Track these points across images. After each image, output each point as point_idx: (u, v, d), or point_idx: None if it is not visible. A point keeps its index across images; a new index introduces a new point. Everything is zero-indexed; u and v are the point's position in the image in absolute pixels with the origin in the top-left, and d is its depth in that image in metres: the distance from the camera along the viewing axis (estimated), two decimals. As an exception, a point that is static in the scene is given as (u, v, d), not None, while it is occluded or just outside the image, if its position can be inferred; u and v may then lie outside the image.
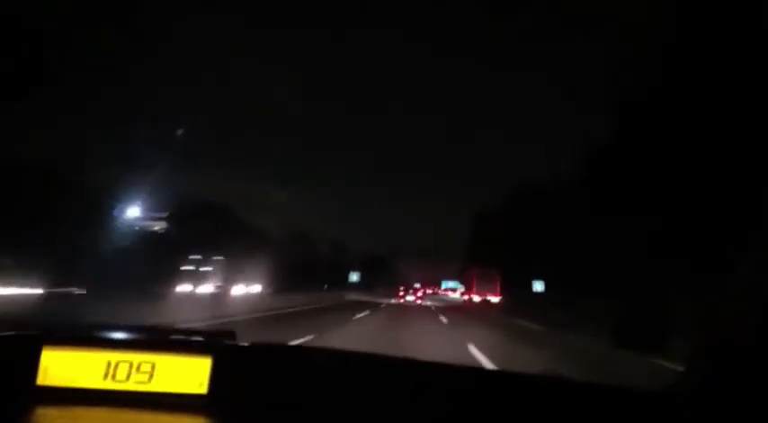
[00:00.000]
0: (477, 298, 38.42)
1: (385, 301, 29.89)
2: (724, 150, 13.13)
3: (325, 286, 41.06)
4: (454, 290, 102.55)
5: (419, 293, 44.04)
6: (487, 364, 6.06)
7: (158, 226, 27.88)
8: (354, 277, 47.83)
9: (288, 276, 36.84)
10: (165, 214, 27.85)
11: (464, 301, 47.28)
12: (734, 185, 12.45)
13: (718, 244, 10.86)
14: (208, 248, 31.38)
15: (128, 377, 0.95)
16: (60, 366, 0.95)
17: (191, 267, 29.81)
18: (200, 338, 1.02)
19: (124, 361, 0.96)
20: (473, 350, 7.19)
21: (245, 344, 1.03)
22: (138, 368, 0.96)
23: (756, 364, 0.75)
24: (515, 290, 37.83)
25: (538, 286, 32.22)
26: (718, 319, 0.85)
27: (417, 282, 71.06)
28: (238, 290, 29.17)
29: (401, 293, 44.78)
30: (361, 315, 14.55)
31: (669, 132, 15.35)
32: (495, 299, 36.54)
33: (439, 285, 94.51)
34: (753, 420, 0.75)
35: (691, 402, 0.84)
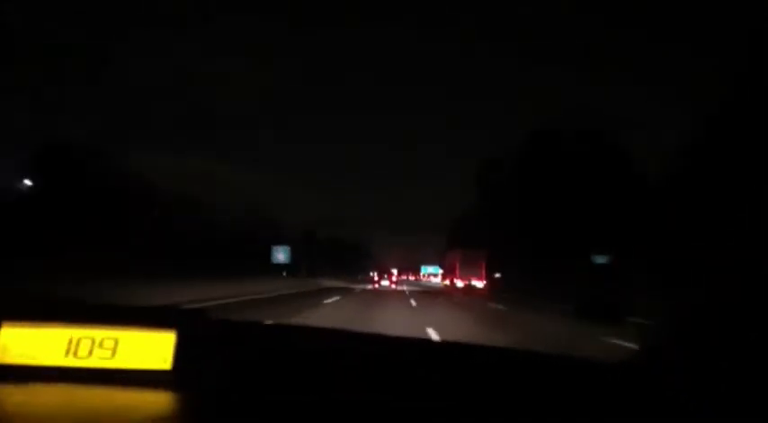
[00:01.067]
0: (459, 283, 35.80)
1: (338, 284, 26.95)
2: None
3: (284, 273, 40.47)
4: (436, 275, 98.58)
5: (393, 278, 45.05)
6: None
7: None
8: (281, 256, 40.14)
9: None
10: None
11: (444, 286, 42.00)
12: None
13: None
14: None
15: (90, 353, 0.96)
16: (20, 343, 0.96)
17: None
18: (163, 314, 1.03)
19: (86, 337, 0.97)
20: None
21: (211, 319, 1.04)
22: (100, 344, 0.97)
23: (718, 338, 0.83)
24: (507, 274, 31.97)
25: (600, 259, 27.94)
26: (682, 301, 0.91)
27: (394, 268, 69.53)
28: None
29: (375, 279, 45.04)
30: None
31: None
32: (479, 284, 34.46)
33: (418, 271, 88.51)
34: (710, 390, 0.82)
35: (649, 374, 0.90)
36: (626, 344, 5.73)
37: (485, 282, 33.57)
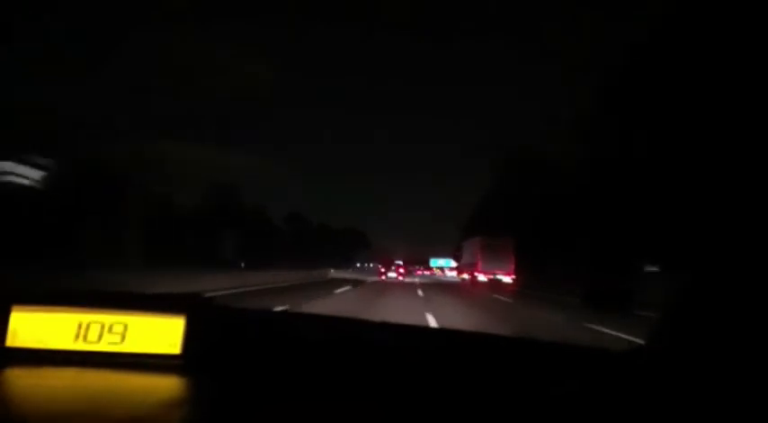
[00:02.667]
0: (482, 277, 30.73)
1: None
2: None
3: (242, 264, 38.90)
4: (448, 269, 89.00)
5: (401, 270, 44.99)
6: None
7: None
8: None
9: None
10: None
11: (462, 280, 39.44)
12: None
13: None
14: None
15: (99, 338, 1.01)
16: (30, 328, 1.01)
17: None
18: (173, 300, 1.09)
19: (95, 322, 1.02)
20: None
21: (220, 305, 1.11)
22: (110, 329, 1.01)
23: (725, 332, 0.83)
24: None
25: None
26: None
27: (400, 260, 65.74)
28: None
29: (382, 270, 44.93)
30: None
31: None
32: (507, 278, 29.87)
33: (427, 264, 79.51)
34: (715, 383, 0.82)
35: (655, 364, 0.92)
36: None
37: (513, 275, 29.65)
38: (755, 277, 0.75)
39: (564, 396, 0.86)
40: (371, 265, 49.13)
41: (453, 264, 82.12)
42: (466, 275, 36.31)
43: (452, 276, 70.68)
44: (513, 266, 29.51)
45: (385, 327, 1.14)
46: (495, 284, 27.00)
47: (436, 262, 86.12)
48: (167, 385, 0.93)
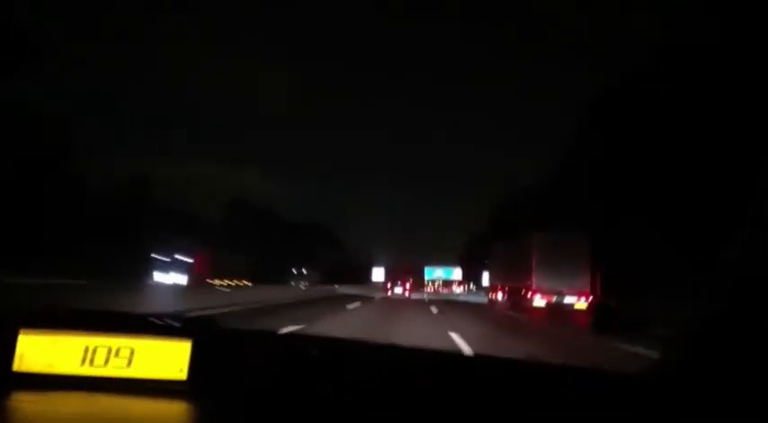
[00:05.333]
0: (539, 300, 18.65)
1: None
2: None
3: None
4: (448, 283, 71.58)
5: (407, 286, 38.98)
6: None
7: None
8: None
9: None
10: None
11: (491, 301, 28.13)
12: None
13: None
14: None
15: (106, 362, 1.07)
16: (37, 352, 1.08)
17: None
18: (179, 323, 1.17)
19: (102, 346, 1.07)
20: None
21: (226, 329, 1.18)
22: (116, 353, 1.07)
23: (734, 351, 0.87)
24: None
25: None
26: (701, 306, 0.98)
27: (379, 266, 62.08)
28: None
29: (388, 286, 40.39)
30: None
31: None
32: (579, 301, 18.20)
33: (419, 275, 61.98)
34: (726, 403, 0.87)
35: (667, 385, 0.97)
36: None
37: (590, 296, 18.27)
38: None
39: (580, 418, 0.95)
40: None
41: (458, 274, 70.49)
42: (501, 296, 23.34)
43: (460, 294, 57.04)
44: (589, 282, 17.04)
45: (393, 349, 1.21)
46: (557, 312, 17.79)
47: (432, 272, 69.84)
48: (173, 411, 1.00)
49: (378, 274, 67.12)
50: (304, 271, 39.89)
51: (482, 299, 35.83)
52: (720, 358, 0.86)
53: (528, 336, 11.94)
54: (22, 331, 1.05)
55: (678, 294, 13.28)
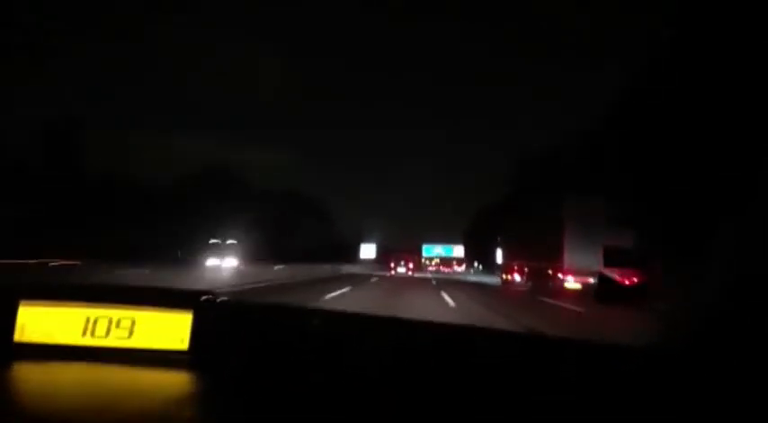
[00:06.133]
0: (572, 281, 15.68)
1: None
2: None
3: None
4: (449, 262, 68.23)
5: (411, 266, 39.47)
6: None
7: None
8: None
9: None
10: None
11: (506, 282, 24.32)
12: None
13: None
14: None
15: (107, 333, 1.08)
16: (37, 323, 1.09)
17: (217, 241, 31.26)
18: (180, 295, 1.19)
19: (103, 317, 1.08)
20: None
21: (227, 300, 1.19)
22: (117, 324, 1.08)
23: (733, 351, 0.87)
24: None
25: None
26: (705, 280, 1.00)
27: (370, 242, 59.22)
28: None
29: (392, 265, 39.80)
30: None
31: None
32: (628, 281, 15.30)
33: (416, 253, 58.72)
34: (734, 380, 0.87)
35: (675, 359, 0.97)
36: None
37: (640, 278, 14.92)
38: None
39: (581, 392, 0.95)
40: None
41: (459, 252, 68.61)
42: (518, 276, 19.96)
43: (461, 272, 53.94)
44: (635, 258, 13.98)
45: (396, 322, 1.20)
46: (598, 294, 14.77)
47: (431, 250, 67.55)
48: (175, 381, 1.00)
49: (367, 251, 63.39)
50: (223, 242, 30.56)
51: (489, 279, 33.48)
52: (719, 358, 0.86)
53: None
54: (22, 303, 1.05)
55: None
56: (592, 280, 15.34)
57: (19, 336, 1.02)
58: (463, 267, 68.50)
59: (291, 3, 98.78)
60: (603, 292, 14.84)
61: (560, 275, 16.12)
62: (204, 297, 1.11)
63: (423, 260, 65.59)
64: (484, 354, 1.03)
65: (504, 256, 26.46)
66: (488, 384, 0.93)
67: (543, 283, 17.54)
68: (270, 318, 1.18)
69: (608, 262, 15.30)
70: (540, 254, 18.31)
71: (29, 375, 0.95)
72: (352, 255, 59.94)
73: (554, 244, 16.67)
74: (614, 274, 15.05)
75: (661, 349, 1.00)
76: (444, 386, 0.95)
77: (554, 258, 16.68)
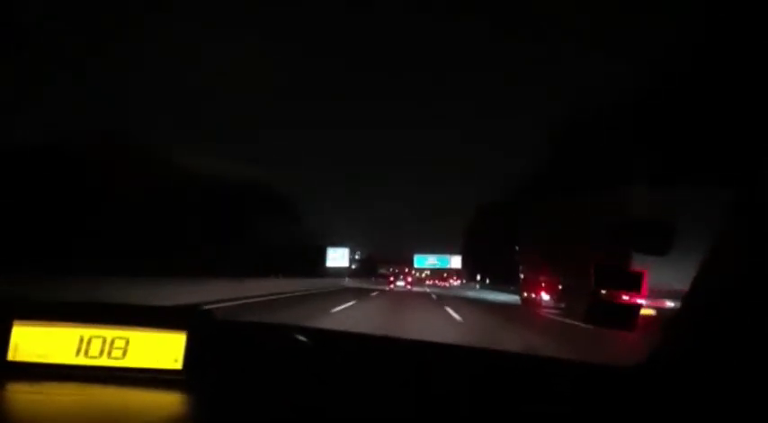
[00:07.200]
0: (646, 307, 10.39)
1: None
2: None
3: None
4: (443, 275, 62.42)
5: (410, 279, 41.16)
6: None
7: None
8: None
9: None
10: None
11: (528, 302, 18.98)
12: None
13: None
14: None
15: (101, 353, 1.09)
16: (31, 342, 1.10)
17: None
18: (174, 315, 1.19)
19: (97, 336, 1.10)
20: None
21: (220, 320, 1.21)
22: (111, 344, 1.09)
23: (732, 351, 0.88)
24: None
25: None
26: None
27: (338, 246, 49.56)
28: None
29: (391, 279, 40.72)
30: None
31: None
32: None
33: (408, 265, 54.02)
34: (723, 398, 0.87)
35: (663, 379, 0.97)
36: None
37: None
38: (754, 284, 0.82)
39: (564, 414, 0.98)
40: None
41: (456, 263, 61.30)
42: (546, 296, 14.89)
43: (458, 287, 48.24)
44: None
45: (390, 341, 1.22)
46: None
47: (424, 261, 62.12)
48: (169, 401, 1.01)
49: (336, 258, 47.95)
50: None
51: (497, 296, 27.86)
52: (718, 358, 0.85)
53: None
54: (16, 322, 1.06)
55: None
56: (670, 304, 10.99)
57: (12, 355, 1.02)
58: (460, 281, 63.70)
59: (291, 3, 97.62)
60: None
61: (625, 297, 12.03)
62: (198, 316, 1.12)
63: (413, 272, 59.39)
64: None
65: (524, 270, 21.00)
66: None
67: (593, 307, 13.19)
68: (263, 337, 1.18)
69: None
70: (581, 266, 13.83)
71: (22, 395, 0.95)
72: (319, 263, 45.58)
73: (617, 252, 12.41)
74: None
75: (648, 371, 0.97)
76: (440, 406, 0.96)
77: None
